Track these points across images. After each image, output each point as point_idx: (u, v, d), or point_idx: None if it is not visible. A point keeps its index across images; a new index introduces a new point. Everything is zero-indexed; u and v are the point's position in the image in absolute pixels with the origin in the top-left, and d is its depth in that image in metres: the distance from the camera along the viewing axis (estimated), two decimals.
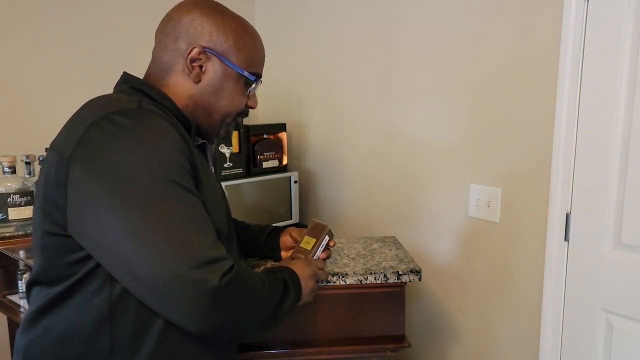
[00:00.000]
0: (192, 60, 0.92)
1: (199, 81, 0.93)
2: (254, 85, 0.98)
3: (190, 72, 0.92)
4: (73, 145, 0.78)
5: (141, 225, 0.74)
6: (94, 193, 0.76)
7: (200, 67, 0.92)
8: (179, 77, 0.93)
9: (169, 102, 0.92)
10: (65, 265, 0.82)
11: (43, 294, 0.84)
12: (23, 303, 1.64)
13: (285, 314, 0.93)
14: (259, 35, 1.00)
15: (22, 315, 1.58)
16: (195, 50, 0.91)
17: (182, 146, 0.82)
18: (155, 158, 0.78)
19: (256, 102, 1.02)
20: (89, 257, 0.80)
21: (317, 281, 1.07)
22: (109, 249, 0.77)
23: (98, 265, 0.80)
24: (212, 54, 0.92)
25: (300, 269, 1.02)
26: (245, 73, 0.95)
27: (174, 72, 0.93)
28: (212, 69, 0.92)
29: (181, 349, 0.86)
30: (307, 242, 1.15)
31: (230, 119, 0.99)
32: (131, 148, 0.78)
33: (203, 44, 0.91)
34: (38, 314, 0.84)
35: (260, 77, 1.01)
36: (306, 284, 1.01)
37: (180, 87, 0.93)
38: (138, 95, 0.90)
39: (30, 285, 0.88)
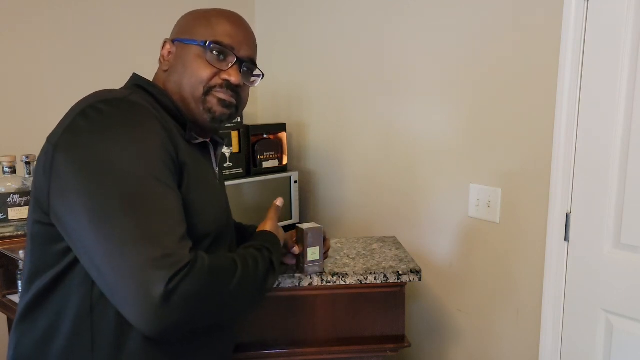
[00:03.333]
0: (163, 55, 0.99)
1: (167, 69, 0.97)
2: (209, 52, 0.93)
3: (162, 64, 0.99)
4: (60, 133, 0.80)
5: (103, 214, 0.74)
6: (69, 180, 0.77)
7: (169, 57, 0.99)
8: (158, 72, 1.00)
9: (168, 101, 0.94)
10: (50, 256, 0.82)
11: (31, 289, 0.85)
12: None
13: (270, 289, 0.93)
14: (233, 15, 0.99)
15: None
16: (165, 45, 0.99)
17: (164, 140, 0.82)
18: (133, 149, 0.79)
19: (235, 75, 0.95)
20: (70, 249, 0.80)
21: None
22: (77, 236, 0.77)
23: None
24: (176, 41, 0.97)
25: (279, 236, 1.07)
26: (197, 42, 0.94)
27: (157, 71, 1.01)
28: (174, 52, 0.97)
29: (170, 349, 0.86)
30: (314, 253, 1.16)
31: (201, 87, 0.93)
32: (111, 137, 0.78)
33: (171, 37, 0.99)
34: (26, 310, 0.85)
35: (224, 46, 0.94)
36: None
37: (157, 78, 0.99)
38: (135, 89, 0.92)
39: (21, 282, 0.89)
